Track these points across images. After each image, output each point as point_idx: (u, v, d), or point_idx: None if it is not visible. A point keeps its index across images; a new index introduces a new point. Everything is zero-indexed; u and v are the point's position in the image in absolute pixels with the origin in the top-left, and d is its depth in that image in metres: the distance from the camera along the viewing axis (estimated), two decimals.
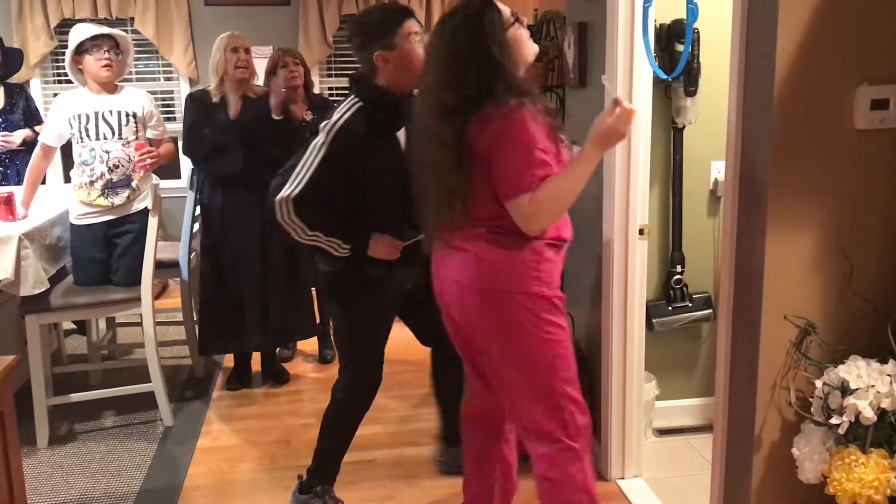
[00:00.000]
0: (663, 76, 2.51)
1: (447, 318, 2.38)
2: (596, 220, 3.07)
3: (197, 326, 4.10)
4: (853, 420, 1.85)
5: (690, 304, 3.42)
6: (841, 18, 1.89)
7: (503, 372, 2.23)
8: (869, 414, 1.82)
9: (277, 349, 4.35)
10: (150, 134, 3.62)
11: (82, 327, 4.51)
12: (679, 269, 3.41)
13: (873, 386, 1.84)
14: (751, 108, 2.01)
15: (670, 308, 3.42)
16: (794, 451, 1.99)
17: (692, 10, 2.12)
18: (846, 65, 1.91)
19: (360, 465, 3.26)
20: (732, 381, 2.17)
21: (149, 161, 3.48)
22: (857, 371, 1.88)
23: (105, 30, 3.49)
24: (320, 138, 2.53)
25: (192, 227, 4.08)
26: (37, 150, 3.57)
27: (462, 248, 2.20)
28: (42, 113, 4.86)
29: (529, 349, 2.17)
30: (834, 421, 1.88)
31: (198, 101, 3.81)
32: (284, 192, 2.51)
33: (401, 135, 2.62)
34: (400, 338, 4.84)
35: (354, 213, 2.61)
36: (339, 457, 2.92)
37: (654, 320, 3.40)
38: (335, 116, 2.54)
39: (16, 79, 5.52)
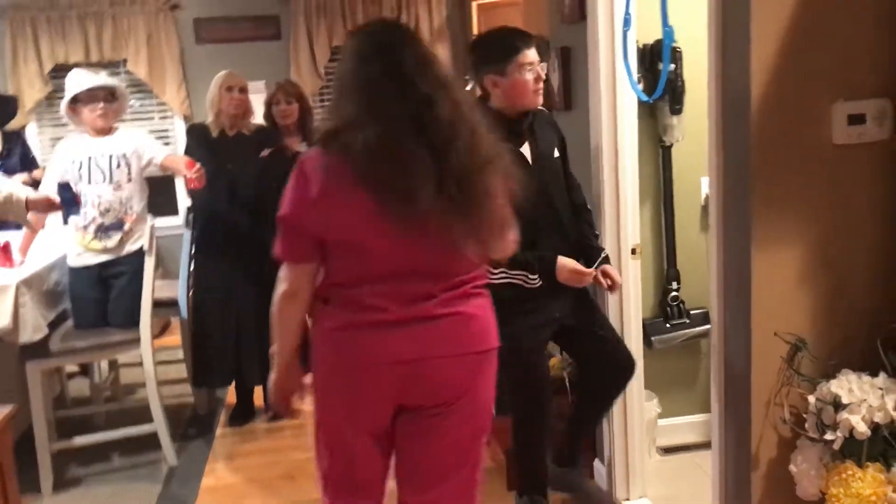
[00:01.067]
0: (644, 98, 2.53)
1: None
2: None
3: (191, 359, 4.12)
4: (847, 435, 1.84)
5: (688, 321, 3.42)
6: (815, 35, 1.91)
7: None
8: (862, 429, 1.82)
9: None
10: (170, 165, 3.65)
11: (85, 369, 4.52)
12: (675, 285, 3.41)
13: (865, 400, 1.84)
14: (730, 125, 2.02)
15: (668, 325, 3.42)
16: (792, 467, 1.98)
17: (668, 33, 2.15)
18: (822, 81, 1.93)
19: None
20: (727, 400, 2.17)
21: (195, 176, 3.49)
22: (848, 385, 1.87)
23: (99, 81, 3.54)
24: None
25: (189, 265, 4.10)
26: None
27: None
28: (39, 159, 4.91)
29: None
30: (828, 437, 1.87)
31: (196, 132, 3.92)
32: None
33: (528, 151, 2.61)
34: None
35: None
36: (534, 466, 2.88)
37: (652, 338, 3.40)
38: None
39: (12, 125, 5.59)
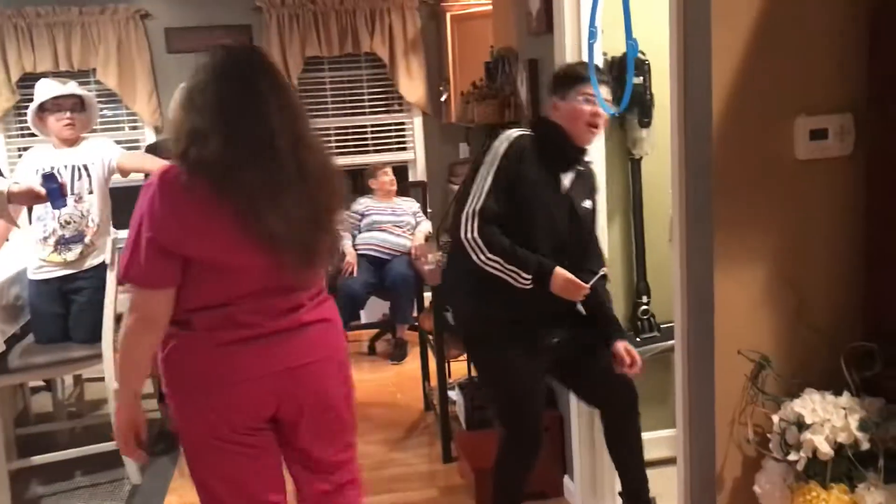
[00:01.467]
0: (608, 111, 2.50)
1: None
2: None
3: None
4: (811, 456, 1.81)
5: (659, 335, 3.39)
6: (777, 49, 1.89)
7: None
8: (826, 449, 1.79)
9: None
10: (127, 164, 3.57)
11: (49, 384, 4.43)
12: (645, 299, 3.39)
13: (829, 420, 1.81)
14: (692, 140, 2.00)
15: (638, 339, 3.39)
16: (756, 488, 1.95)
17: (632, 45, 2.12)
18: (784, 96, 1.90)
19: None
20: (691, 418, 2.13)
21: None
22: (812, 405, 1.84)
23: (67, 89, 3.48)
24: (491, 155, 2.56)
25: None
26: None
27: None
28: (5, 168, 4.82)
29: None
30: (792, 457, 1.84)
31: (155, 151, 3.83)
32: (469, 207, 2.50)
33: (567, 181, 2.61)
34: (372, 378, 4.83)
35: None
36: (507, 496, 2.81)
37: None
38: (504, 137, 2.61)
39: None
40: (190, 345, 1.90)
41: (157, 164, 3.52)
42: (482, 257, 2.47)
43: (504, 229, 2.50)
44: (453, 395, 3.75)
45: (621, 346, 2.66)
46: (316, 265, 1.96)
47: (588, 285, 2.54)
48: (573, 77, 2.56)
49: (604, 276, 2.71)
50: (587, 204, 2.67)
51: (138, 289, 1.86)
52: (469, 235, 2.48)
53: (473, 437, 3.47)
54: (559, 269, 2.50)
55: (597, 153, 2.87)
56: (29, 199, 3.05)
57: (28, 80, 5.15)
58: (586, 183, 2.69)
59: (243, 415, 1.93)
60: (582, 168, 2.67)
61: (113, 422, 1.95)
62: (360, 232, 5.31)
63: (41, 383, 4.56)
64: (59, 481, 3.60)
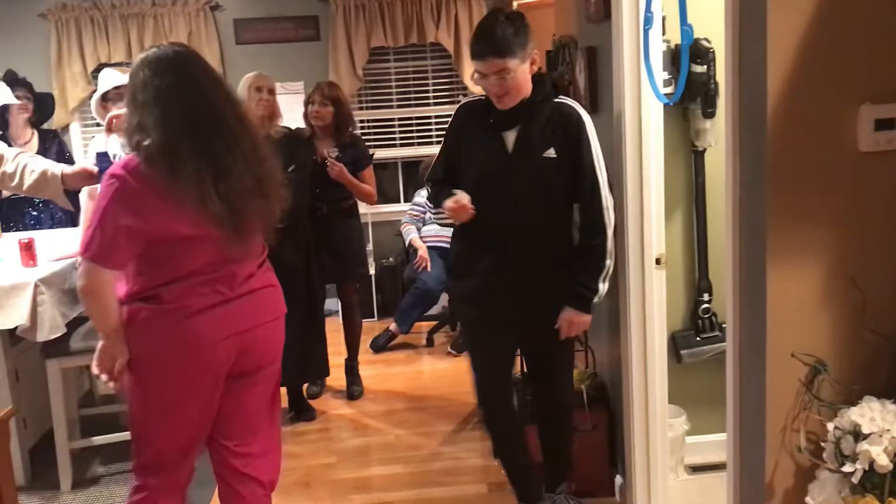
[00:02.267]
0: (664, 100, 2.40)
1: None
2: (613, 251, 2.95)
3: None
4: (867, 468, 1.70)
5: (720, 334, 3.26)
6: (840, 32, 1.76)
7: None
8: (884, 461, 1.67)
9: (305, 385, 4.31)
10: None
11: None
12: (707, 297, 3.26)
13: (889, 430, 1.69)
14: (746, 130, 1.89)
15: (698, 339, 3.27)
16: (808, 499, 1.84)
17: (686, 32, 2.02)
18: (847, 82, 1.77)
19: None
20: (742, 423, 2.03)
21: None
22: (870, 414, 1.72)
23: (119, 80, 3.55)
24: None
25: None
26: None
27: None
28: (79, 156, 4.97)
29: None
30: (847, 469, 1.73)
31: None
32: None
33: (511, 138, 2.63)
34: (428, 371, 4.81)
35: None
36: (513, 477, 2.98)
37: (682, 352, 3.26)
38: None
39: (57, 124, 5.69)
40: (159, 317, 2.13)
41: None
42: (435, 217, 2.65)
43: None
44: None
45: (564, 316, 2.69)
46: (257, 234, 2.23)
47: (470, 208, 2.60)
48: (471, 54, 2.61)
49: (596, 238, 2.66)
50: (549, 153, 2.61)
51: (93, 264, 2.09)
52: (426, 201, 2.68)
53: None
54: (452, 196, 2.62)
55: (653, 144, 2.77)
56: (82, 179, 3.11)
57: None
58: (554, 131, 2.62)
59: (211, 373, 2.20)
60: (548, 117, 2.62)
61: (96, 351, 2.22)
62: (424, 224, 5.30)
63: None
64: (119, 461, 3.69)
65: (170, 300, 2.12)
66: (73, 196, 4.31)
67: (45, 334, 3.21)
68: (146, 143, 2.04)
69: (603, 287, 2.68)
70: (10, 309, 3.20)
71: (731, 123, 1.94)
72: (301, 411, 4.16)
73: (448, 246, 5.08)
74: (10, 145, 4.44)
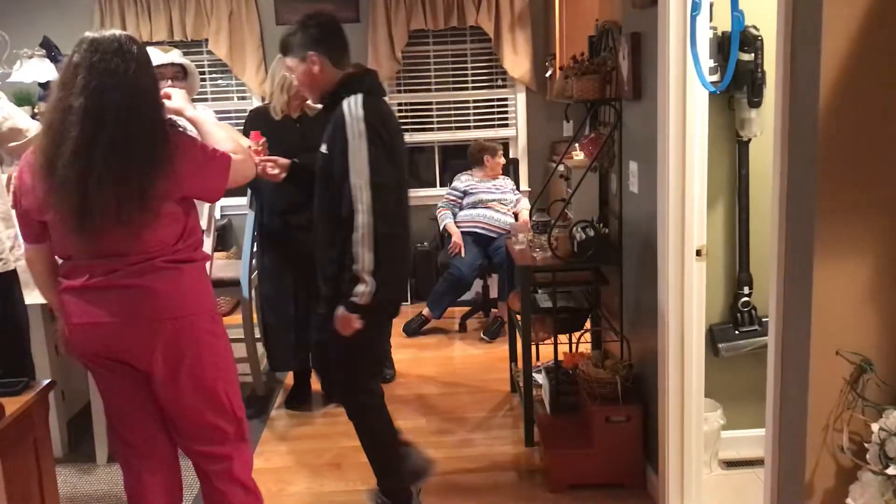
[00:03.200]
0: (710, 88, 2.35)
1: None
2: (652, 241, 2.91)
3: (262, 344, 4.15)
4: None
5: (759, 329, 3.20)
6: (894, 26, 1.70)
7: None
8: None
9: None
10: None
11: None
12: (747, 290, 3.21)
13: None
14: (796, 120, 1.84)
15: (737, 332, 3.22)
16: (849, 501, 1.79)
17: (737, 18, 1.97)
18: None
19: None
20: (782, 420, 1.99)
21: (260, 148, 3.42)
22: None
23: (168, 58, 3.57)
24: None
25: (252, 247, 4.09)
26: None
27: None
28: None
29: None
30: (891, 471, 1.68)
31: (257, 115, 3.88)
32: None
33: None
34: (460, 356, 4.80)
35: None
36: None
37: (719, 345, 3.21)
38: None
39: None
40: (62, 288, 2.28)
41: (241, 140, 3.57)
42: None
43: None
44: (539, 378, 3.68)
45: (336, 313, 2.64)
46: (126, 234, 2.14)
47: None
48: None
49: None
50: (323, 149, 2.70)
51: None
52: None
53: (556, 422, 3.39)
54: None
55: (697, 133, 2.71)
56: None
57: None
58: (328, 127, 2.70)
59: (80, 349, 2.29)
60: (330, 116, 2.71)
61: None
62: (461, 209, 5.28)
63: None
64: None
65: (62, 273, 2.28)
66: None
67: None
68: (40, 134, 2.20)
69: (363, 287, 2.55)
70: None
71: (781, 114, 1.89)
72: (332, 394, 4.18)
73: (483, 231, 5.12)
74: None
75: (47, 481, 2.27)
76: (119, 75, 2.09)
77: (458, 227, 5.16)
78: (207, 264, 2.43)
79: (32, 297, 3.07)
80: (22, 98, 5.73)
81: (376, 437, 2.87)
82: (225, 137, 2.36)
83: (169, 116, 2.28)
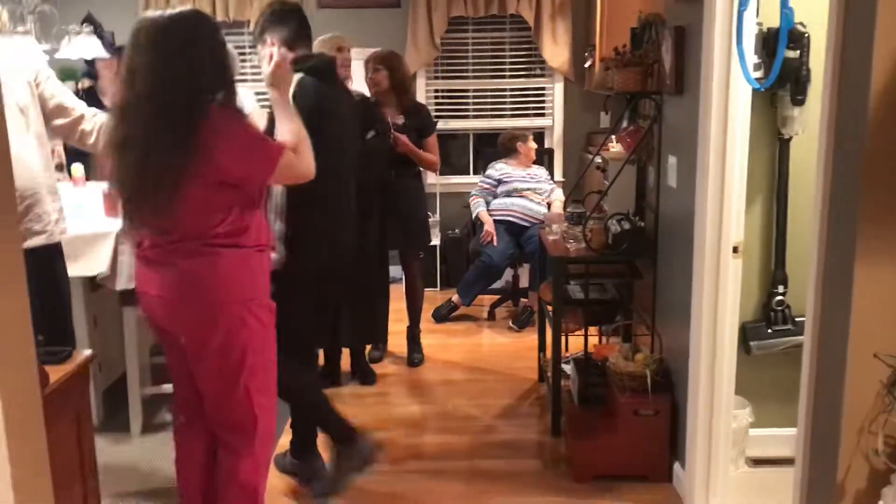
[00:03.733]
0: (755, 85, 2.33)
1: None
2: (688, 236, 2.91)
3: None
4: None
5: (793, 328, 3.18)
6: None
7: None
8: None
9: (367, 348, 4.37)
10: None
11: None
12: (782, 289, 3.18)
13: None
14: (844, 120, 1.82)
15: (770, 331, 3.20)
16: None
17: (786, 15, 1.95)
18: None
19: (430, 475, 3.23)
20: (815, 421, 1.99)
21: None
22: None
23: None
24: None
25: None
26: None
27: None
28: None
29: None
30: None
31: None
32: None
33: None
34: (489, 344, 4.82)
35: None
36: None
37: (751, 343, 3.20)
38: None
39: None
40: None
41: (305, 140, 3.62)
42: None
43: None
44: (568, 369, 3.69)
45: None
46: (157, 214, 2.20)
47: None
48: None
49: None
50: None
51: None
52: None
53: (583, 413, 3.40)
54: None
55: (739, 129, 2.70)
56: None
57: None
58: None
59: (143, 311, 2.41)
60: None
61: None
62: (494, 198, 5.28)
63: None
64: None
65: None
66: None
67: (123, 283, 3.32)
68: None
69: (274, 255, 2.69)
70: (92, 257, 3.31)
71: (828, 113, 1.88)
72: (362, 374, 4.23)
73: (516, 220, 5.13)
74: (100, 97, 4.58)
75: (86, 449, 2.33)
76: (164, 54, 2.14)
77: (490, 215, 5.17)
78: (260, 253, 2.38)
79: (74, 269, 3.15)
80: (67, 74, 5.82)
81: (298, 417, 3.09)
82: (291, 130, 2.35)
83: (230, 97, 2.25)
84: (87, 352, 2.34)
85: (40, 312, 1.80)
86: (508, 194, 5.23)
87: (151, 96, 2.14)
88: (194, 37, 2.20)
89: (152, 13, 2.21)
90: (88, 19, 4.98)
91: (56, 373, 2.13)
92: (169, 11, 2.22)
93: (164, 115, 2.13)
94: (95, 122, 2.97)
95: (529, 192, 5.21)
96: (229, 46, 2.35)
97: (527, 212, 5.14)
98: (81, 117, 2.94)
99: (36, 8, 3.94)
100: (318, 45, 3.85)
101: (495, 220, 5.14)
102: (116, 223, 3.40)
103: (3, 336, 1.49)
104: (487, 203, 5.28)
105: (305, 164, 2.34)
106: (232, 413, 2.40)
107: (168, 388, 3.68)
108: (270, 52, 2.40)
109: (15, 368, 1.56)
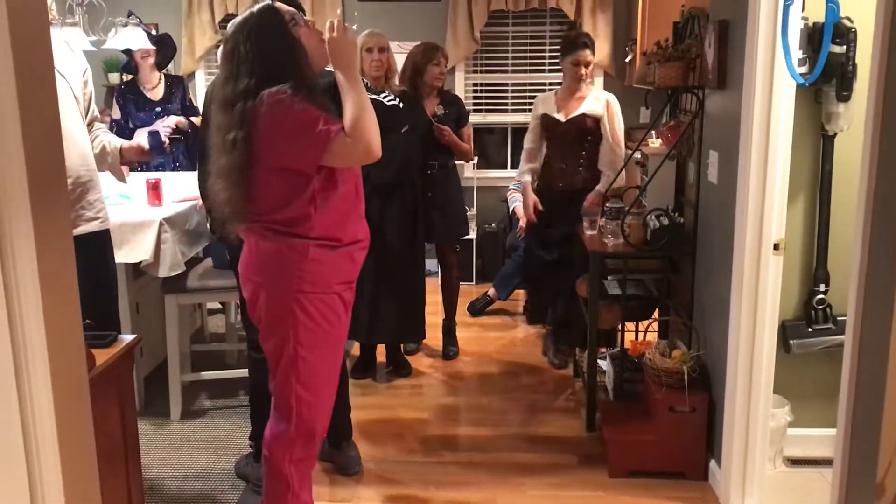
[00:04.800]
0: (799, 80, 2.30)
1: None
2: (729, 233, 2.88)
3: None
4: None
5: (834, 327, 3.14)
6: None
7: None
8: None
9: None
10: None
11: (224, 307, 4.74)
12: (823, 287, 3.14)
13: None
14: (890, 114, 1.79)
15: (810, 329, 3.17)
16: None
17: (831, 10, 1.93)
18: None
19: (465, 467, 3.24)
20: (855, 420, 1.96)
21: None
22: None
23: None
24: None
25: None
26: None
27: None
28: (199, 104, 5.15)
29: None
30: None
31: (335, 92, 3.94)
32: None
33: None
34: (524, 338, 4.82)
35: None
36: None
37: (791, 342, 3.16)
38: None
39: (183, 70, 5.92)
40: None
41: (370, 123, 3.64)
42: None
43: None
44: (603, 364, 3.68)
45: None
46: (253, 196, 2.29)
47: None
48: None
49: None
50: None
51: None
52: None
53: (619, 409, 3.39)
54: None
55: (783, 125, 2.67)
56: (137, 154, 3.12)
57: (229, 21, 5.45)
58: None
59: None
60: None
61: None
62: None
63: (218, 305, 4.91)
64: (225, 397, 3.88)
65: None
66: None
67: (165, 271, 3.38)
68: None
69: None
70: (136, 245, 3.37)
71: (874, 109, 1.84)
72: (397, 366, 4.26)
73: None
74: (141, 89, 4.65)
75: (130, 432, 2.38)
76: (228, 45, 2.29)
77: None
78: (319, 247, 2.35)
79: (118, 255, 3.21)
80: (111, 65, 5.94)
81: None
82: (349, 108, 2.26)
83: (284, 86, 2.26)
84: (132, 336, 2.39)
85: (88, 297, 1.84)
86: None
87: (217, 93, 2.34)
88: (252, 32, 2.29)
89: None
90: (133, 12, 5.08)
91: (102, 356, 2.18)
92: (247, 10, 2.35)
93: (224, 108, 2.30)
94: (97, 134, 3.02)
95: None
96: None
97: None
98: (92, 123, 2.99)
99: (84, 0, 4.02)
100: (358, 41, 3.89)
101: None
102: (160, 212, 3.48)
103: (54, 319, 1.54)
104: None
105: (362, 146, 2.22)
106: (274, 390, 2.45)
107: (207, 375, 3.77)
108: (331, 23, 2.29)
109: (64, 350, 1.61)
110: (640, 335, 3.82)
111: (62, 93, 2.58)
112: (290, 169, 2.27)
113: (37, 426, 1.53)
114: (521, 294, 5.38)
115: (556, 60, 6.01)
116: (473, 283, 5.82)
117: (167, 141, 3.37)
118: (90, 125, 2.95)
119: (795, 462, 3.23)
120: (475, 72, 6.12)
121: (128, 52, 4.65)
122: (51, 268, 1.51)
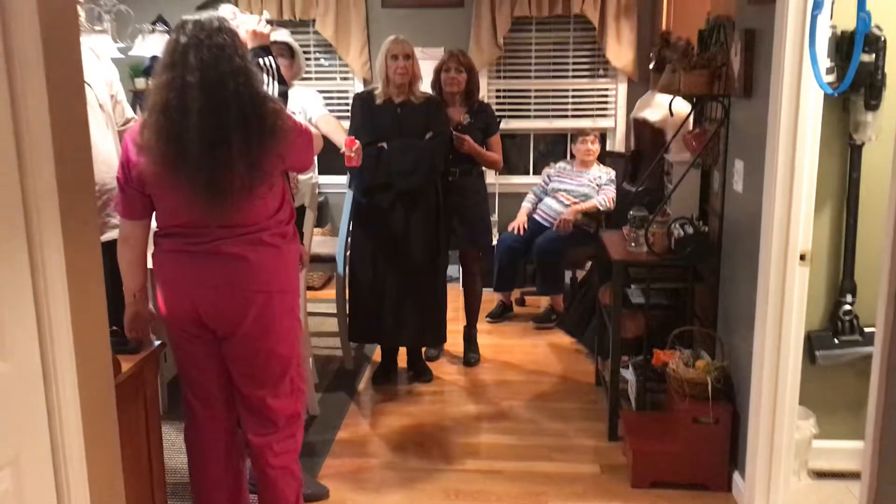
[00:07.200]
0: (827, 90, 2.28)
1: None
2: (754, 243, 2.86)
3: (347, 315, 4.23)
4: None
5: (861, 339, 3.11)
6: None
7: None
8: None
9: (424, 348, 4.40)
10: (322, 127, 3.74)
11: None
12: (849, 298, 3.11)
13: None
14: None
15: (837, 341, 3.13)
16: None
17: (863, 19, 1.91)
18: None
19: (487, 475, 3.24)
20: (883, 433, 1.93)
21: (353, 155, 3.56)
22: None
23: (275, 37, 3.66)
24: None
25: (349, 224, 4.19)
26: None
27: None
28: None
29: None
30: None
31: (360, 100, 3.97)
32: None
33: None
34: (543, 345, 4.80)
35: None
36: None
37: (816, 353, 3.13)
38: None
39: None
40: (161, 250, 2.40)
41: (341, 137, 3.65)
42: None
43: None
44: (626, 374, 3.65)
45: None
46: (225, 206, 2.22)
47: None
48: None
49: None
50: None
51: (121, 218, 2.42)
52: None
53: (641, 419, 3.37)
54: None
55: (809, 134, 2.64)
56: None
57: None
58: None
59: (175, 309, 2.39)
60: None
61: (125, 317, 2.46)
62: (546, 195, 5.29)
63: None
64: None
65: (159, 240, 2.41)
66: None
67: None
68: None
69: None
70: None
71: None
72: (418, 372, 4.26)
73: (538, 219, 5.19)
74: None
75: (154, 437, 2.40)
76: (227, 50, 2.22)
77: (536, 215, 5.25)
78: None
79: None
80: (138, 71, 6.00)
81: None
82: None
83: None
84: (157, 342, 2.41)
85: (113, 303, 1.87)
86: (547, 193, 5.26)
87: (237, 88, 2.32)
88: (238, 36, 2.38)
89: (196, 15, 2.28)
90: (160, 19, 5.14)
91: (128, 362, 2.21)
92: (208, 13, 2.31)
93: (249, 106, 2.32)
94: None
95: (564, 193, 5.18)
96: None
97: (550, 212, 5.14)
98: (127, 123, 3.04)
99: (113, 8, 4.07)
100: (379, 53, 3.93)
101: (537, 220, 5.23)
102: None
103: (81, 326, 1.55)
104: (539, 200, 5.30)
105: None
106: (278, 406, 2.51)
107: None
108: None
109: (91, 357, 1.62)
110: (666, 344, 3.78)
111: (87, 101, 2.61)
112: (286, 170, 2.45)
113: (64, 432, 1.55)
114: (541, 301, 5.36)
115: (580, 66, 6.02)
116: (494, 290, 5.80)
117: None
118: (126, 124, 3.00)
119: (820, 475, 3.19)
120: (498, 78, 6.12)
121: (154, 58, 4.70)
122: (79, 277, 1.53)
